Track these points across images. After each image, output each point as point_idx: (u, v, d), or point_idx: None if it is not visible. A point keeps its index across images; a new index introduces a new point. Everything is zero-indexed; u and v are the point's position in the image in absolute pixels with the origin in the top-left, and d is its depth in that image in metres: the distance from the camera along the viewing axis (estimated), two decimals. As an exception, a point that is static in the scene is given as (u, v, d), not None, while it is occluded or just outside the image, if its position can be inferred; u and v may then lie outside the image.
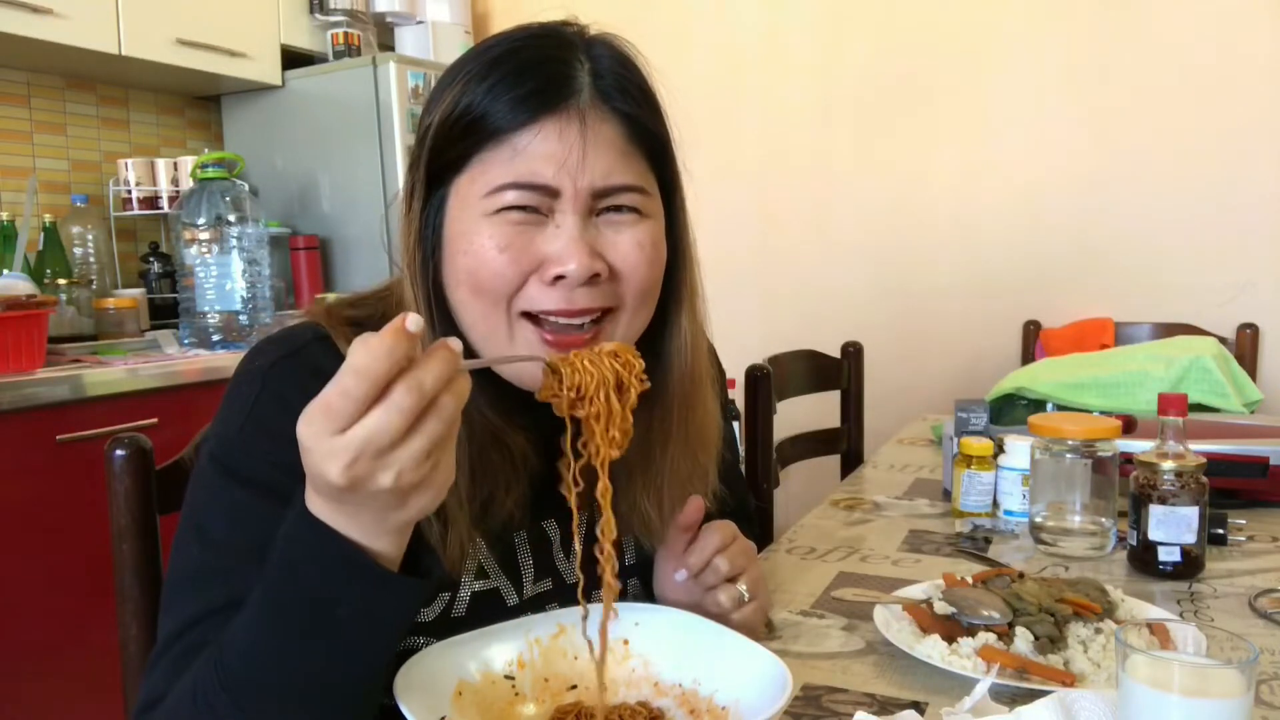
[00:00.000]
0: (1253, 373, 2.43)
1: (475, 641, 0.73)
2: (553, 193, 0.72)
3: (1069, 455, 1.17)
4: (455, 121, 0.74)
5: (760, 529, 1.72)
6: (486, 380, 0.76)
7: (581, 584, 0.71)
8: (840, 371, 2.09)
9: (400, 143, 2.72)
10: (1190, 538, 1.05)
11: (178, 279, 2.56)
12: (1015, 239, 2.75)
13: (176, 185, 2.71)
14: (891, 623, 0.90)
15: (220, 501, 0.72)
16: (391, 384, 0.53)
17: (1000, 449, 1.29)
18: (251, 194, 2.49)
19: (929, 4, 2.81)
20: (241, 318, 2.37)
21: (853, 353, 2.10)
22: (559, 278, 0.73)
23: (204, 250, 2.35)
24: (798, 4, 2.97)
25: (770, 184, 3.02)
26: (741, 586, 0.86)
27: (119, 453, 0.92)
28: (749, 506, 1.11)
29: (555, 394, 0.69)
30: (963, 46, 2.77)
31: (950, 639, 0.85)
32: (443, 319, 0.77)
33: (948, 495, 1.41)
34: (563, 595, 0.85)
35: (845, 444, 2.08)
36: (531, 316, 0.75)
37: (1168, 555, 1.06)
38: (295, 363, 0.75)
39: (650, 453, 0.82)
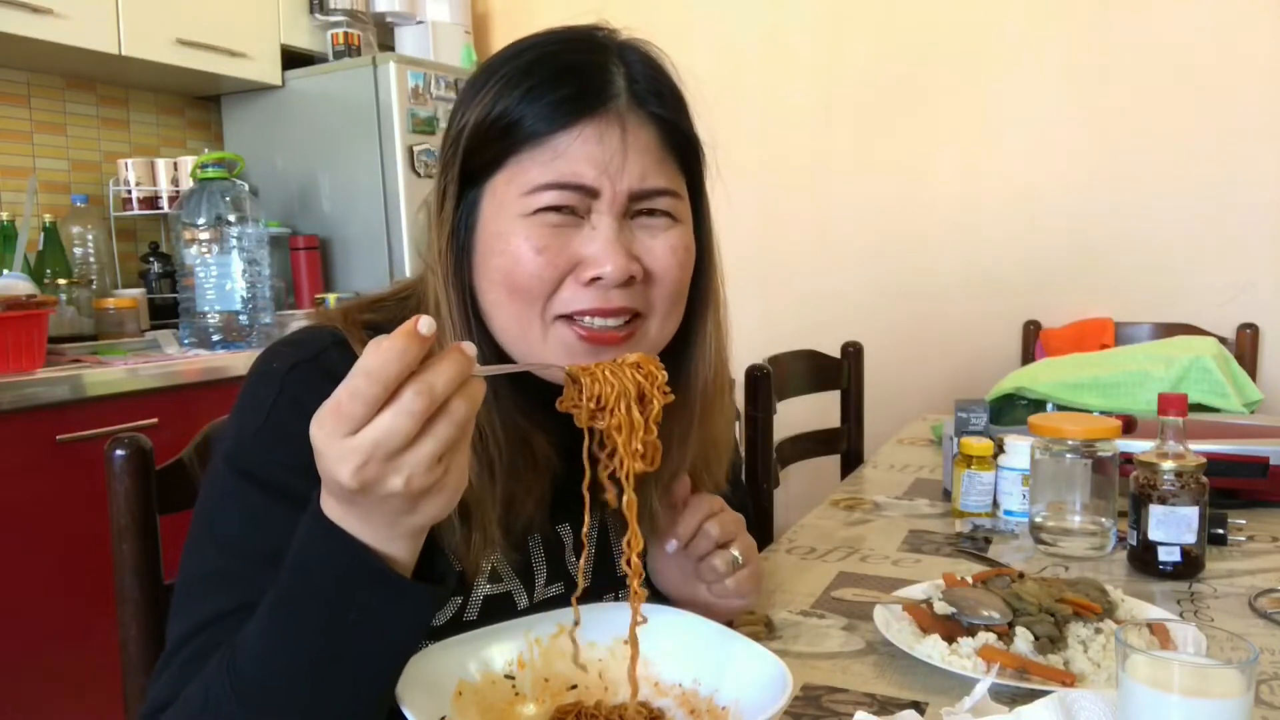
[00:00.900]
0: (1253, 373, 2.43)
1: (475, 641, 0.73)
2: (592, 193, 0.73)
3: (1069, 455, 1.18)
4: (493, 124, 0.74)
5: (760, 529, 1.73)
6: (511, 381, 0.76)
7: (580, 589, 0.70)
8: (840, 371, 2.09)
9: (400, 143, 2.72)
10: (1190, 538, 1.05)
11: (178, 279, 2.56)
12: (1015, 239, 2.75)
13: (176, 185, 2.71)
14: (891, 623, 0.90)
15: (235, 504, 0.71)
16: (402, 387, 0.52)
17: (1000, 449, 1.29)
18: (251, 194, 2.49)
19: (929, 4, 2.81)
20: (241, 318, 2.37)
21: (853, 353, 2.10)
22: (595, 279, 0.73)
23: (204, 250, 2.35)
24: (798, 4, 2.97)
25: (770, 184, 3.03)
26: (734, 551, 0.86)
27: (119, 453, 0.92)
28: (749, 510, 1.11)
29: (576, 404, 0.68)
30: (963, 47, 2.77)
31: (950, 639, 0.85)
32: (475, 322, 0.77)
33: (948, 495, 1.41)
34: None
35: (845, 444, 2.08)
36: (566, 318, 0.74)
37: (1168, 555, 1.06)
38: (312, 367, 0.74)
39: (668, 457, 0.80)
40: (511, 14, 3.38)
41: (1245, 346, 2.48)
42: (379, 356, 0.52)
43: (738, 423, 2.88)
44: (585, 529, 0.69)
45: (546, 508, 0.81)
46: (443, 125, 2.81)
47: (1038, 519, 1.20)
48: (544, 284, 0.73)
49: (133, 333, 2.47)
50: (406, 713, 0.61)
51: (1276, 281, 2.50)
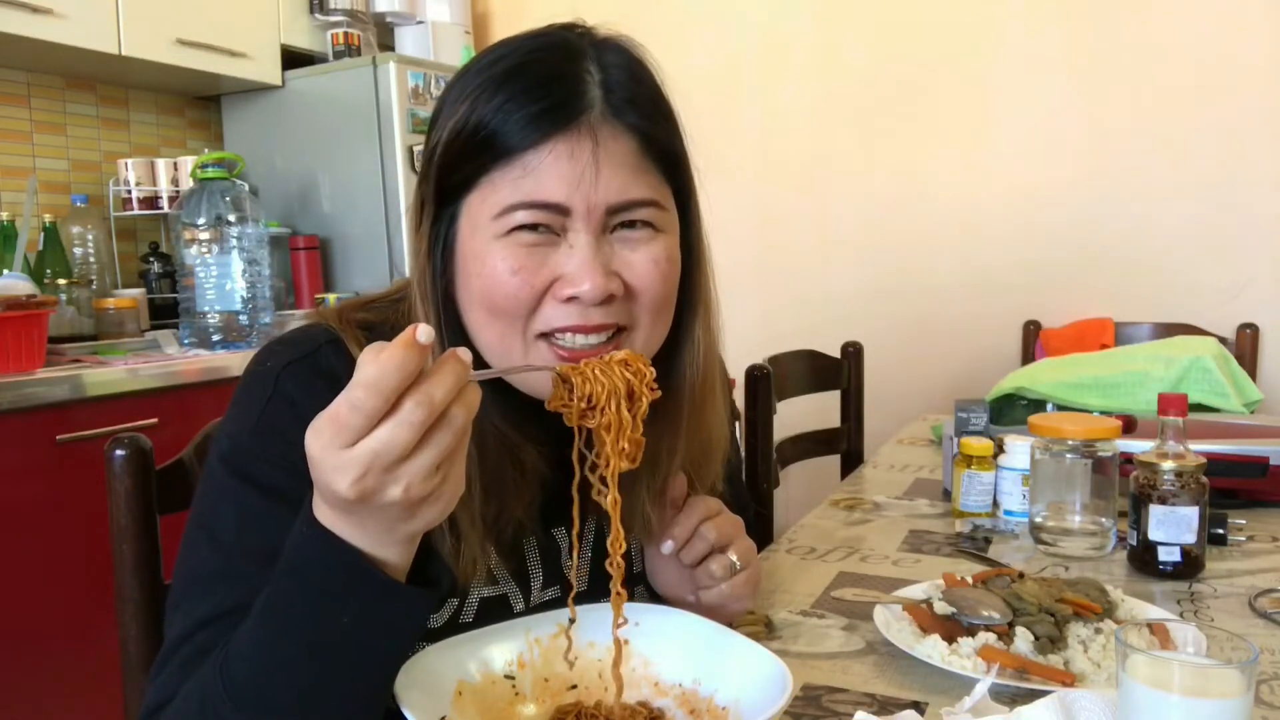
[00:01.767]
0: (1253, 373, 2.43)
1: (475, 641, 0.73)
2: (564, 211, 0.71)
3: (1069, 455, 1.17)
4: (466, 139, 0.72)
5: (760, 529, 1.73)
6: (499, 392, 0.75)
7: (575, 591, 0.70)
8: (840, 371, 2.09)
9: (400, 143, 2.72)
10: (1190, 538, 1.05)
11: (178, 279, 2.56)
12: (1015, 239, 2.75)
13: (176, 185, 2.71)
14: (891, 623, 0.90)
15: (230, 504, 0.71)
16: (402, 397, 0.52)
17: (1000, 449, 1.29)
18: (251, 194, 2.49)
19: (929, 5, 2.81)
20: (241, 318, 2.37)
21: (853, 353, 2.10)
22: (573, 298, 0.72)
23: (204, 250, 2.35)
24: (798, 4, 2.97)
25: (770, 184, 3.03)
26: (732, 555, 0.85)
27: (119, 453, 0.92)
28: (749, 511, 1.11)
29: (565, 404, 0.68)
30: (963, 47, 2.77)
31: (950, 639, 0.85)
32: (454, 335, 0.76)
33: (948, 495, 1.41)
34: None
35: (845, 444, 2.08)
36: (547, 336, 0.74)
37: (1168, 555, 1.06)
38: (307, 365, 0.74)
39: (657, 459, 0.81)
40: (511, 14, 3.38)
41: (1245, 346, 2.48)
42: (378, 367, 0.51)
43: (738, 423, 2.87)
44: (576, 529, 0.69)
45: (538, 513, 0.80)
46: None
47: (1038, 519, 1.20)
48: (522, 304, 0.72)
49: (133, 333, 2.47)
50: (406, 713, 0.61)
51: (1276, 281, 2.50)
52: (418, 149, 2.76)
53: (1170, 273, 2.59)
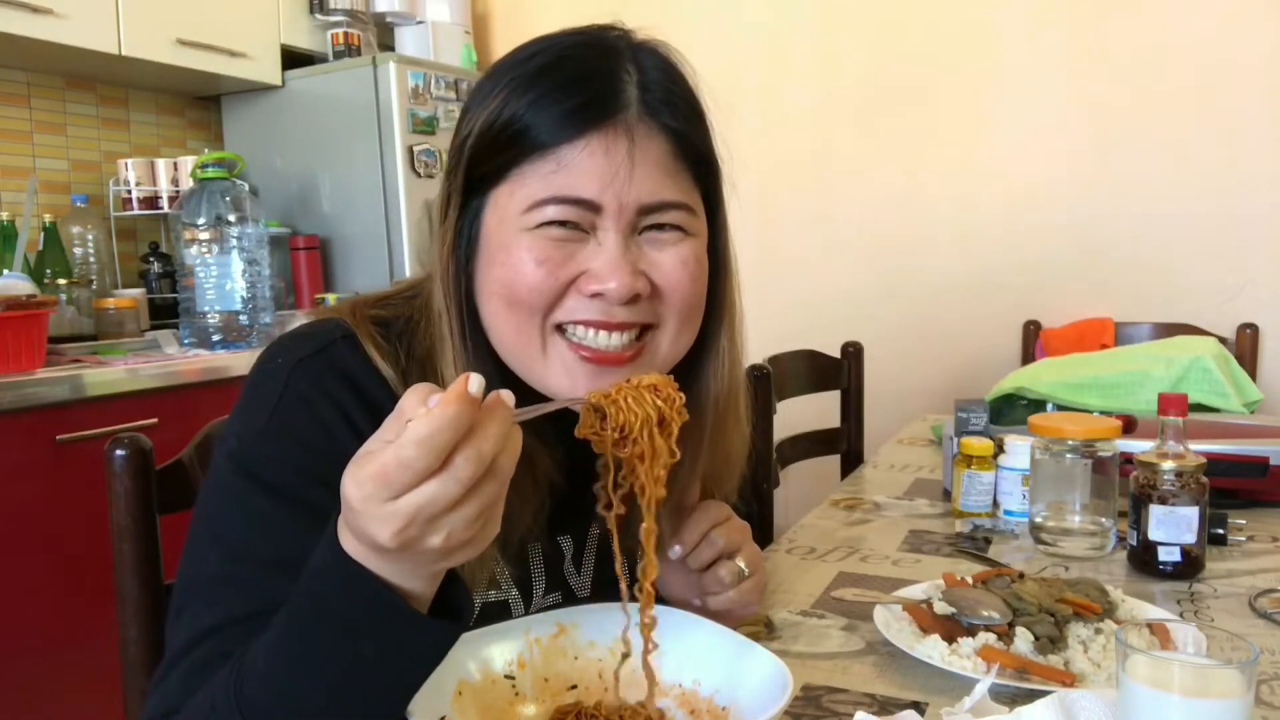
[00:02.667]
0: (1253, 373, 2.43)
1: (475, 641, 0.73)
2: (595, 208, 0.70)
3: (1069, 455, 1.18)
4: (498, 132, 0.71)
5: (760, 529, 1.73)
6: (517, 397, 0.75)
7: (623, 586, 0.69)
8: (840, 371, 2.09)
9: (400, 143, 2.72)
10: (1190, 538, 1.05)
11: (178, 279, 2.56)
12: (1015, 239, 2.75)
13: (176, 185, 2.71)
14: (891, 623, 0.90)
15: (238, 506, 0.69)
16: (452, 453, 0.51)
17: (1000, 449, 1.29)
18: (251, 194, 2.49)
19: (929, 5, 2.81)
20: (241, 318, 2.37)
21: (853, 353, 2.10)
22: (598, 294, 0.71)
23: (204, 250, 2.35)
24: (799, 5, 2.97)
25: (771, 184, 3.03)
26: (740, 562, 0.84)
27: (119, 453, 0.92)
28: (754, 518, 1.11)
29: (596, 432, 0.66)
30: (963, 47, 2.77)
31: (950, 639, 0.85)
32: (474, 331, 0.75)
33: (948, 495, 1.41)
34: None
35: (845, 444, 2.08)
36: (561, 330, 0.73)
37: (1168, 555, 1.06)
38: (320, 362, 0.73)
39: (676, 472, 0.79)
40: (511, 14, 3.38)
41: (1245, 346, 2.48)
42: (431, 424, 0.50)
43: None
44: (615, 544, 0.68)
45: (545, 520, 0.79)
46: (443, 126, 2.83)
47: (1038, 519, 1.20)
48: (544, 296, 0.71)
49: (133, 333, 2.47)
50: (406, 713, 0.61)
51: (1276, 281, 2.49)
52: (418, 149, 2.76)
53: (1170, 273, 2.59)
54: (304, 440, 0.70)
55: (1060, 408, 1.63)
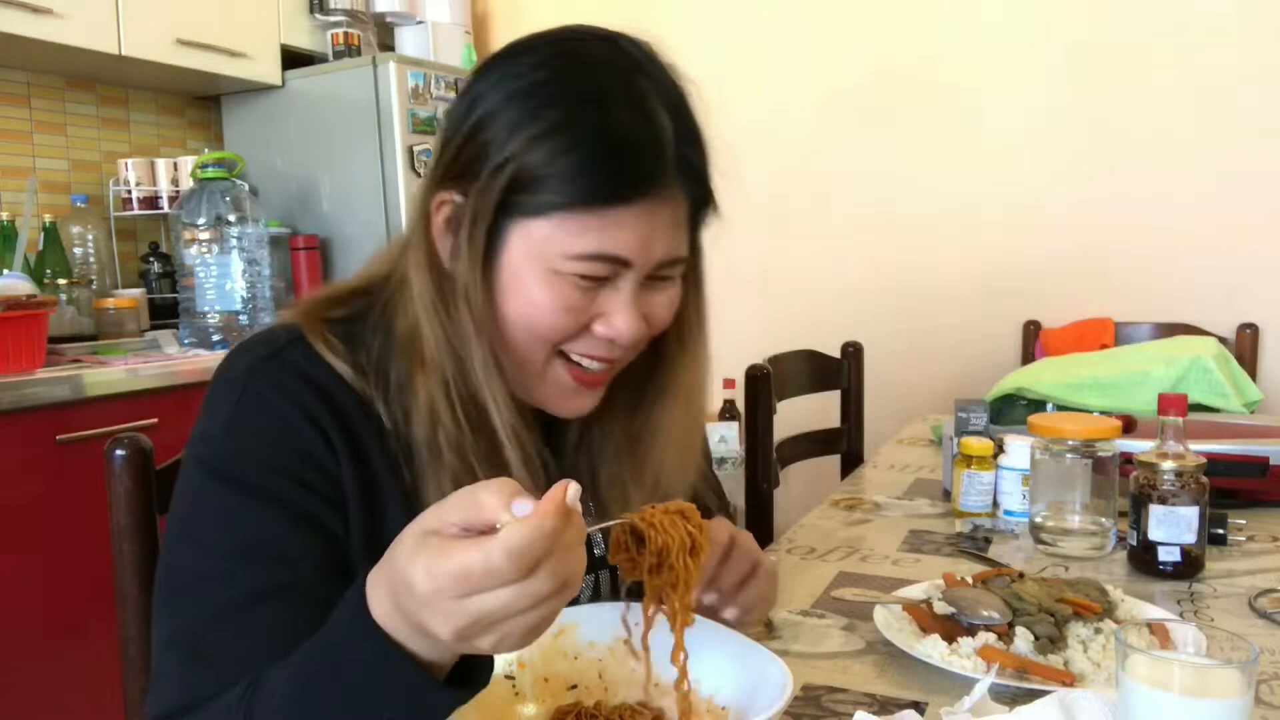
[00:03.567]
0: (1253, 373, 2.43)
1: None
2: (628, 265, 0.74)
3: (1069, 455, 1.18)
4: (550, 172, 0.71)
5: (760, 529, 1.73)
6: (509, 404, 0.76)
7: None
8: (840, 371, 2.09)
9: (400, 143, 2.72)
10: (1190, 538, 1.05)
11: (178, 279, 2.56)
12: (1015, 239, 2.75)
13: (176, 185, 2.71)
14: (891, 622, 0.90)
15: (207, 505, 0.71)
16: (536, 566, 0.50)
17: (1000, 449, 1.29)
18: (251, 194, 2.49)
19: (930, 5, 2.81)
20: (241, 318, 2.37)
21: (853, 353, 2.10)
22: (609, 337, 0.76)
23: (204, 250, 2.35)
24: (799, 4, 2.97)
25: (770, 184, 3.02)
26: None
27: (119, 453, 0.92)
28: (723, 493, 1.11)
29: (630, 557, 0.67)
30: (963, 48, 2.77)
31: (950, 639, 0.85)
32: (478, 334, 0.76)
33: (948, 495, 1.41)
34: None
35: (845, 444, 2.08)
36: (562, 355, 0.77)
37: (1168, 555, 1.06)
38: (274, 364, 0.75)
39: (642, 466, 0.84)
40: (512, 14, 3.38)
41: (1245, 346, 2.48)
42: (527, 537, 0.49)
43: (737, 423, 2.87)
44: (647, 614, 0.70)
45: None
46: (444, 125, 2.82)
47: (1038, 519, 1.20)
48: (562, 334, 0.75)
49: (133, 333, 2.47)
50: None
51: (1276, 281, 2.49)
52: (418, 149, 2.76)
53: (1170, 273, 2.58)
54: (263, 435, 0.72)
55: (1060, 408, 1.63)
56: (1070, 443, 1.17)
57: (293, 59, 2.89)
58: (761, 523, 1.74)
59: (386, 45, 3.15)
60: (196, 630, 0.68)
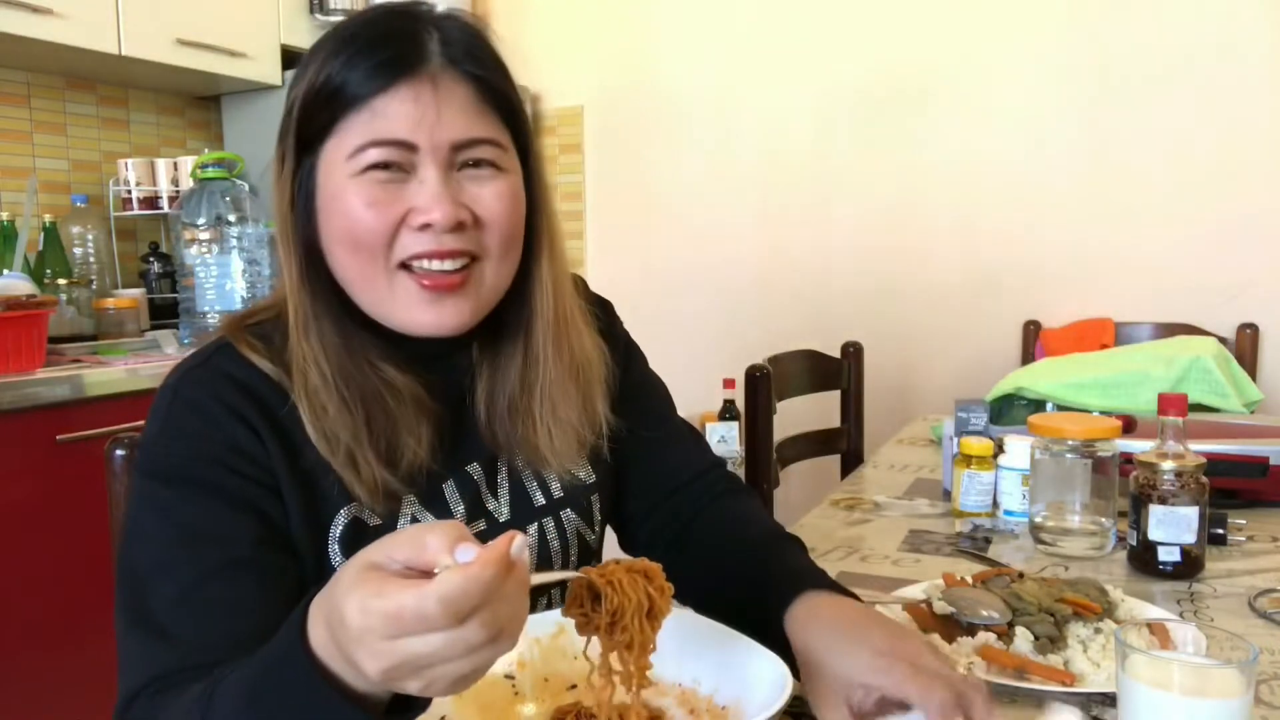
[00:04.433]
0: (1253, 373, 2.43)
1: (475, 641, 0.73)
2: (411, 148, 0.77)
3: (1069, 455, 1.18)
4: (318, 92, 0.79)
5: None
6: (374, 332, 0.82)
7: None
8: (840, 371, 2.09)
9: (400, 143, 2.72)
10: (1190, 538, 1.05)
11: (178, 279, 2.56)
12: (1015, 239, 2.75)
13: (176, 185, 2.71)
14: (891, 623, 0.90)
15: (149, 504, 0.76)
16: (469, 614, 0.49)
17: (1000, 449, 1.29)
18: (251, 194, 2.49)
19: (929, 4, 2.81)
20: (241, 318, 2.36)
21: (853, 353, 2.10)
22: (426, 225, 0.77)
23: (204, 250, 2.35)
24: (799, 4, 2.97)
25: (770, 184, 3.03)
26: None
27: (119, 453, 0.92)
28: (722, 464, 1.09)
29: (585, 613, 0.65)
30: (962, 46, 2.77)
31: (950, 639, 0.85)
32: (314, 277, 0.81)
33: (948, 495, 1.41)
34: (497, 532, 0.86)
35: (845, 444, 2.08)
36: (407, 267, 0.79)
37: (1168, 555, 1.06)
38: (202, 371, 0.80)
39: (531, 390, 0.87)
40: (512, 14, 3.38)
41: (1245, 346, 2.48)
42: (463, 586, 0.48)
43: (737, 423, 2.86)
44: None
45: (444, 454, 0.84)
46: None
47: (1038, 519, 1.20)
48: (379, 236, 0.78)
49: (133, 333, 2.47)
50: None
51: (1276, 281, 2.49)
52: (418, 149, 2.76)
53: (1170, 273, 2.59)
54: (193, 434, 0.77)
55: (1060, 408, 1.63)
56: (1070, 443, 1.17)
57: (293, 59, 2.88)
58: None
59: (386, 45, 3.15)
60: (155, 614, 0.71)
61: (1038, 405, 1.67)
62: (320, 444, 0.78)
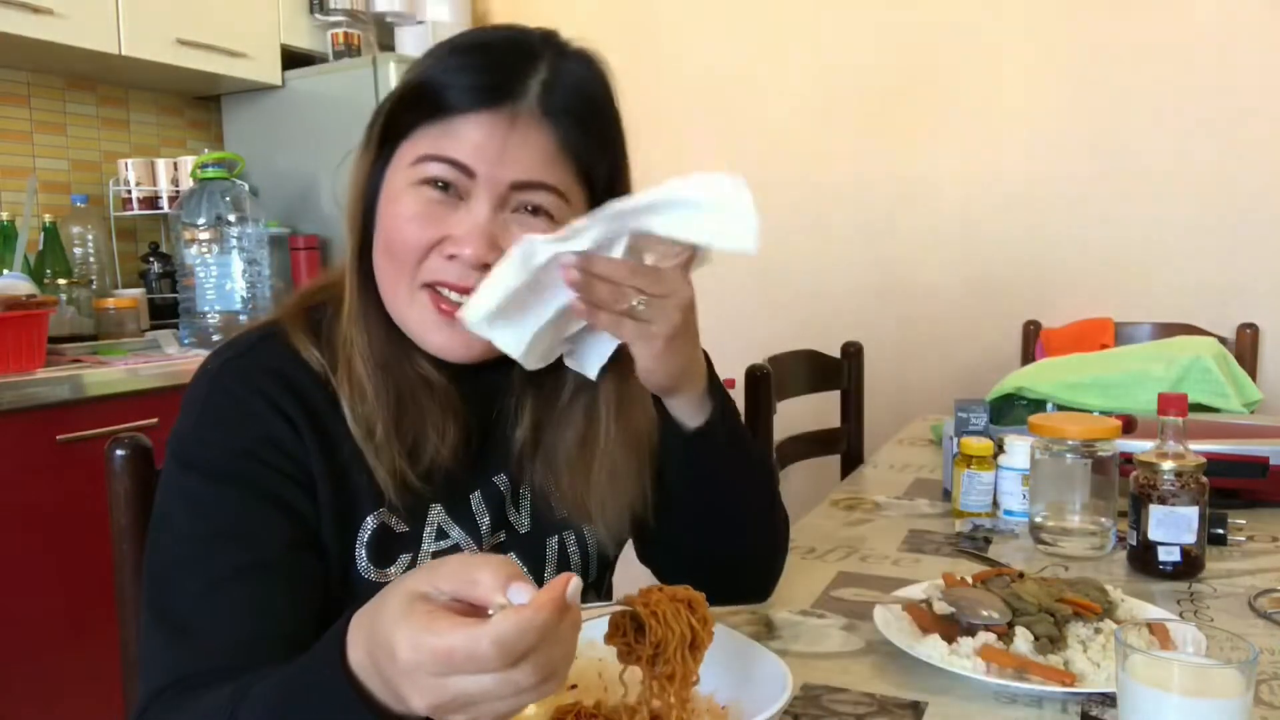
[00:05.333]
0: (1253, 373, 2.43)
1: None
2: (469, 173, 0.76)
3: (1069, 455, 1.18)
4: (413, 92, 0.79)
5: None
6: (395, 330, 0.81)
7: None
8: (840, 371, 2.09)
9: (400, 143, 2.72)
10: (1190, 538, 1.05)
11: (178, 279, 2.56)
12: (1015, 239, 2.75)
13: (176, 185, 2.71)
14: (891, 622, 0.90)
15: (182, 496, 0.75)
16: (522, 657, 0.48)
17: (1000, 449, 1.29)
18: (251, 194, 2.49)
19: (929, 5, 2.81)
20: (241, 318, 2.37)
21: (853, 353, 2.10)
22: (453, 256, 0.77)
23: (204, 250, 2.35)
24: (799, 3, 2.97)
25: (770, 184, 3.02)
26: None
27: (119, 453, 0.92)
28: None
29: (628, 643, 0.64)
30: (963, 47, 2.77)
31: (950, 639, 0.85)
32: (368, 265, 0.81)
33: (948, 495, 1.41)
34: (518, 545, 0.88)
35: (845, 444, 2.08)
36: (430, 286, 0.78)
37: (1168, 555, 1.06)
38: (242, 362, 0.79)
39: (589, 450, 0.85)
40: (512, 14, 3.38)
41: (1245, 346, 2.48)
42: (518, 630, 0.47)
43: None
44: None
45: (473, 460, 0.84)
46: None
47: (1038, 519, 1.20)
48: (412, 252, 0.77)
49: (133, 333, 2.47)
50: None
51: (1276, 281, 2.49)
52: (418, 149, 2.76)
53: (1170, 273, 2.58)
54: (228, 424, 0.76)
55: (1060, 408, 1.63)
56: (1070, 443, 1.17)
57: (293, 59, 2.88)
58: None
59: (387, 45, 3.15)
60: (179, 612, 0.70)
61: (1038, 405, 1.67)
62: (355, 429, 0.77)
